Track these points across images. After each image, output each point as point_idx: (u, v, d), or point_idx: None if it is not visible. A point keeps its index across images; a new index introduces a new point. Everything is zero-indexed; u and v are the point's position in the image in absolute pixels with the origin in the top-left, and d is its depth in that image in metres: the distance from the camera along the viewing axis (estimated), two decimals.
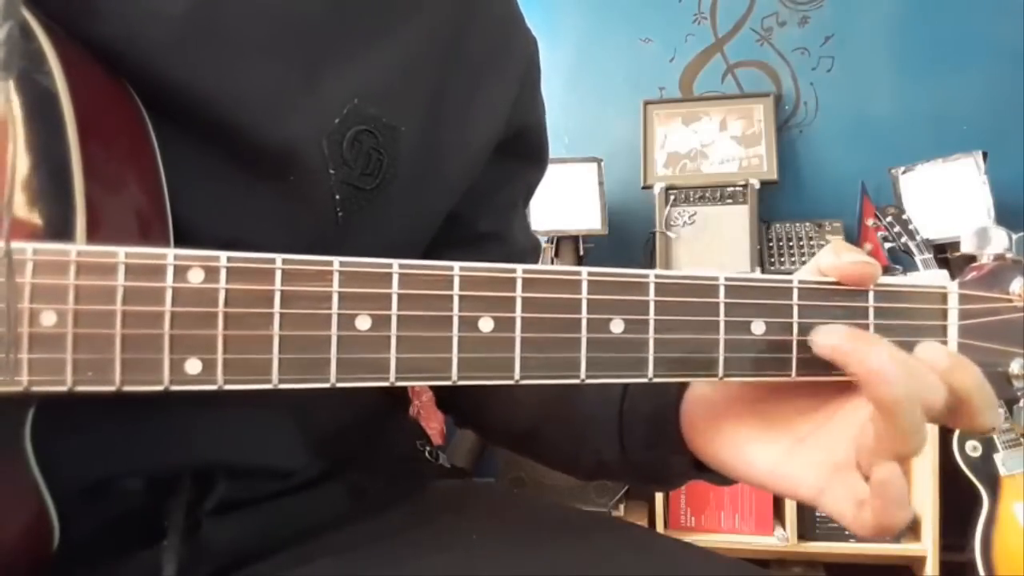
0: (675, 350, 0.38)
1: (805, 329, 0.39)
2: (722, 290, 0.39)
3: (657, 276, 0.38)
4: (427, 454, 0.63)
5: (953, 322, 0.41)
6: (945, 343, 0.41)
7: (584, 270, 0.37)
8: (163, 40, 0.42)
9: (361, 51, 0.49)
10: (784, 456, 0.41)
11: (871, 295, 0.40)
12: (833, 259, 0.39)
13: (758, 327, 0.39)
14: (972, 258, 0.44)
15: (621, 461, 0.52)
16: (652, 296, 0.38)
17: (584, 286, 0.37)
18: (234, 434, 0.46)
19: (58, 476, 0.36)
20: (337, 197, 0.47)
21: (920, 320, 0.40)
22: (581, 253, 2.14)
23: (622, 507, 1.99)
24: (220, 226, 0.44)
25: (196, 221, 0.42)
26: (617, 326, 0.38)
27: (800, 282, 0.39)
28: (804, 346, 0.39)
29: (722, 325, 0.39)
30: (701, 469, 0.48)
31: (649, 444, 0.50)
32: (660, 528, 1.93)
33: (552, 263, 2.14)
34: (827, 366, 0.39)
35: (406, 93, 0.51)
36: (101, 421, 0.40)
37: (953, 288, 0.41)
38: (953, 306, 0.41)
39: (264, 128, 0.44)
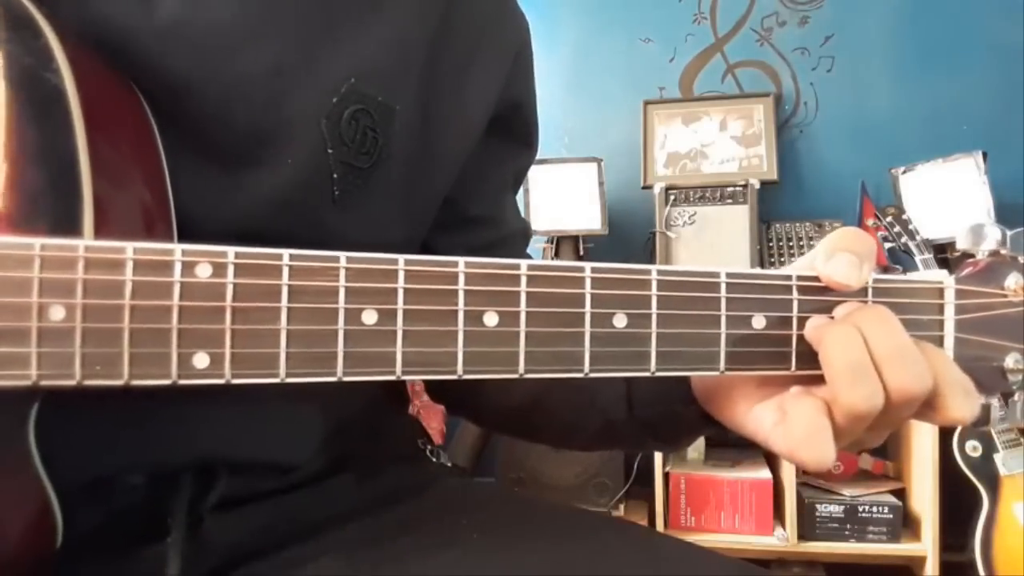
0: (677, 344, 0.39)
1: (805, 323, 0.40)
2: (723, 285, 0.39)
3: (659, 272, 0.38)
4: (428, 453, 0.63)
5: (949, 317, 0.42)
6: (942, 337, 0.42)
7: (587, 265, 0.38)
8: (158, 25, 0.42)
9: (356, 29, 0.49)
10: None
11: (870, 291, 0.41)
12: (822, 261, 0.40)
13: (759, 321, 0.40)
14: (969, 255, 0.45)
15: (628, 420, 0.52)
16: (655, 291, 0.38)
17: (588, 281, 0.38)
18: (236, 430, 0.46)
19: (61, 471, 0.36)
20: (335, 176, 0.48)
21: (917, 315, 0.41)
22: (581, 253, 2.14)
23: (622, 507, 1.99)
24: (221, 212, 0.44)
25: (197, 211, 0.43)
26: (620, 321, 0.38)
27: (799, 278, 0.40)
28: (803, 340, 0.40)
29: (723, 320, 0.39)
30: (709, 421, 0.48)
31: (658, 399, 0.50)
32: (660, 528, 1.93)
33: None
34: None
35: (400, 72, 0.51)
36: (104, 416, 0.40)
37: (950, 283, 0.42)
38: (950, 301, 0.42)
39: (263, 112, 0.45)
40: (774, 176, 2.14)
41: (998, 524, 1.70)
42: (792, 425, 0.39)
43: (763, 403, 0.42)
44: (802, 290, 0.40)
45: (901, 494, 1.89)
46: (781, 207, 2.18)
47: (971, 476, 1.72)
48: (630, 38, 2.36)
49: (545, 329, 0.37)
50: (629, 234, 2.25)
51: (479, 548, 0.48)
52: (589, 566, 0.46)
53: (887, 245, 1.96)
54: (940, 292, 0.42)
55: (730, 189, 2.07)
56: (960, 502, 1.73)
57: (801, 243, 2.09)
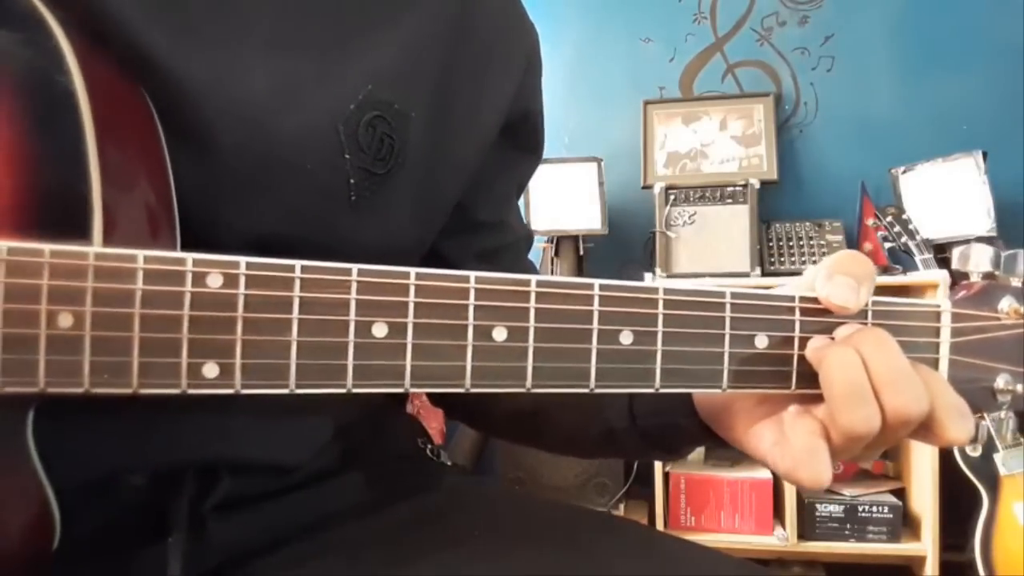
0: (681, 362, 0.40)
1: (806, 344, 0.41)
2: (728, 305, 0.40)
3: (666, 290, 0.39)
4: (428, 452, 0.63)
5: (945, 340, 0.43)
6: (937, 360, 0.43)
7: (596, 283, 0.38)
8: (180, 26, 0.42)
9: (374, 36, 0.50)
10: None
11: (869, 313, 0.42)
12: (822, 284, 0.41)
13: (761, 341, 0.40)
14: (963, 275, 0.46)
15: (630, 429, 0.53)
16: (661, 309, 0.39)
17: (596, 299, 0.38)
18: (238, 430, 0.46)
19: (60, 471, 0.36)
20: (352, 181, 0.48)
21: (914, 337, 0.42)
22: (581, 253, 2.15)
23: (622, 507, 1.99)
24: (239, 217, 0.44)
25: (215, 216, 0.43)
26: (626, 337, 0.39)
27: (801, 299, 0.41)
28: (804, 360, 0.41)
29: (727, 339, 0.40)
30: (709, 433, 0.49)
31: (660, 410, 0.51)
32: (660, 528, 1.93)
33: (552, 263, 2.14)
34: None
35: (416, 79, 0.52)
36: (104, 417, 0.40)
37: (946, 307, 0.43)
38: (946, 324, 0.43)
39: (282, 115, 0.45)
40: (774, 176, 2.15)
41: (998, 524, 1.70)
42: (790, 445, 0.40)
43: (763, 422, 0.43)
44: (804, 311, 0.41)
45: (901, 494, 1.89)
46: (781, 207, 2.18)
47: (971, 476, 1.72)
48: (630, 38, 2.36)
49: (553, 345, 0.38)
50: (629, 234, 2.25)
51: (479, 547, 0.49)
52: (589, 565, 0.46)
53: (887, 245, 1.96)
54: (936, 315, 0.43)
55: (730, 189, 2.07)
56: (960, 502, 1.74)
57: (801, 243, 2.09)
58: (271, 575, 0.47)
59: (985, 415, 0.43)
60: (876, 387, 0.38)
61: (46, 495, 0.36)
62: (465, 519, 0.52)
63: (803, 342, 0.41)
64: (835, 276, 0.40)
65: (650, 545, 0.51)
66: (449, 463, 0.64)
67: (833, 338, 0.41)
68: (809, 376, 0.40)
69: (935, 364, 0.43)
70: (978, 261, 0.44)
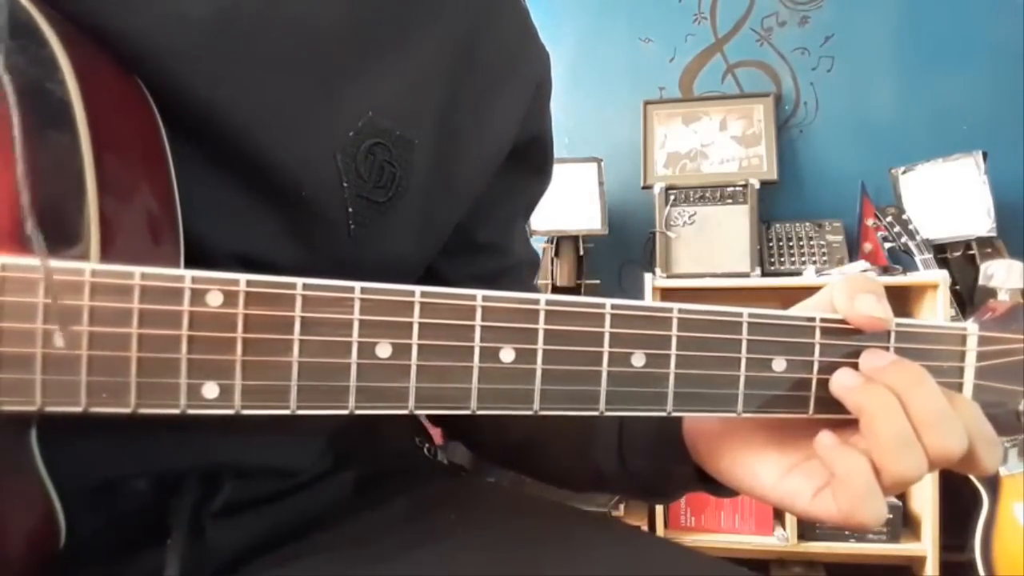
0: (696, 385, 0.38)
1: (825, 367, 0.39)
2: (745, 327, 0.38)
3: (681, 310, 0.38)
4: (425, 451, 0.63)
5: (971, 363, 0.41)
6: (961, 384, 0.42)
7: (608, 302, 0.37)
8: (184, 44, 0.41)
9: (376, 63, 0.49)
10: (788, 470, 0.42)
11: (892, 335, 0.40)
12: (846, 303, 0.39)
13: (779, 364, 0.39)
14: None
15: (620, 473, 0.52)
16: (675, 331, 0.38)
17: (607, 319, 0.37)
18: (242, 435, 0.46)
19: (65, 476, 0.36)
20: (350, 210, 0.47)
21: (939, 361, 0.41)
22: (581, 253, 2.14)
23: (622, 507, 1.99)
24: (233, 239, 0.44)
25: (209, 235, 0.42)
26: (639, 360, 0.37)
27: (822, 320, 0.39)
28: (823, 384, 0.39)
29: (744, 362, 0.38)
30: (702, 480, 0.48)
31: (649, 455, 0.50)
32: (660, 528, 1.93)
33: (552, 263, 2.13)
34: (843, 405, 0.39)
35: (420, 105, 0.51)
36: (111, 422, 0.40)
37: (973, 330, 0.41)
38: (972, 348, 0.41)
39: (278, 141, 0.44)
40: (774, 176, 2.15)
41: (998, 524, 1.70)
42: (846, 488, 0.38)
43: (791, 475, 0.41)
44: (825, 332, 0.39)
45: (901, 494, 1.89)
46: (781, 207, 2.18)
47: (971, 476, 1.72)
48: (630, 38, 2.36)
49: (562, 367, 0.36)
50: (629, 234, 2.25)
51: (460, 545, 0.48)
52: (563, 561, 0.46)
53: (887, 245, 1.96)
54: (962, 339, 0.41)
55: (730, 189, 2.07)
56: (960, 502, 1.74)
57: (801, 243, 2.09)
58: (258, 575, 0.47)
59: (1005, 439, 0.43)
60: (918, 429, 0.37)
61: (51, 500, 0.36)
62: (451, 516, 0.52)
63: (823, 366, 0.39)
64: (860, 295, 0.39)
65: (632, 544, 0.51)
66: (446, 462, 0.64)
67: (857, 364, 0.39)
68: (828, 401, 0.39)
69: (959, 388, 0.41)
70: (1006, 277, 0.43)
